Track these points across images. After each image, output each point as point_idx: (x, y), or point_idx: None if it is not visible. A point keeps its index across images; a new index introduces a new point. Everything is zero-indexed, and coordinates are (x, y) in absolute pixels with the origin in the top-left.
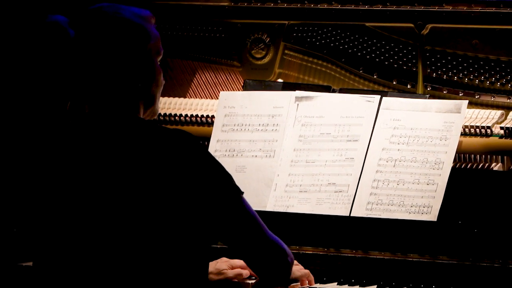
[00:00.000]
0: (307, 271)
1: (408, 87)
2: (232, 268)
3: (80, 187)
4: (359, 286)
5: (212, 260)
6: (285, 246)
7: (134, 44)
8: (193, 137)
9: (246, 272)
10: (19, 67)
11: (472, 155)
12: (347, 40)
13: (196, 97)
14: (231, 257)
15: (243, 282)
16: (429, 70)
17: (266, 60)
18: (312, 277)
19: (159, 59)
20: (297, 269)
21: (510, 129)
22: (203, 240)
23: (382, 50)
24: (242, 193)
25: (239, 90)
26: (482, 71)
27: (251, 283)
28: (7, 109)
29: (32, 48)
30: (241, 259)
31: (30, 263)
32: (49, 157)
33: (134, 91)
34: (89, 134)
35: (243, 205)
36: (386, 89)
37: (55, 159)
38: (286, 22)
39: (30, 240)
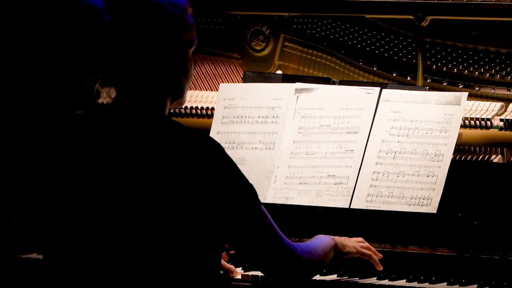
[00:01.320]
0: (365, 251)
1: (408, 79)
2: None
3: (96, 180)
4: (359, 278)
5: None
6: (306, 249)
7: (168, 34)
8: (217, 143)
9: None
10: (51, 48)
11: (472, 147)
12: (347, 32)
13: (196, 89)
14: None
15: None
16: (429, 62)
17: (265, 52)
18: (371, 250)
19: (192, 50)
20: (353, 245)
21: (510, 121)
22: (217, 246)
23: (382, 42)
24: (261, 204)
25: (239, 82)
26: (482, 63)
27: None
28: (25, 96)
29: (65, 29)
30: (258, 268)
31: (30, 255)
32: (65, 148)
33: (164, 82)
34: (111, 126)
35: (263, 216)
36: (386, 81)
37: (71, 150)
38: (286, 14)
39: (30, 232)
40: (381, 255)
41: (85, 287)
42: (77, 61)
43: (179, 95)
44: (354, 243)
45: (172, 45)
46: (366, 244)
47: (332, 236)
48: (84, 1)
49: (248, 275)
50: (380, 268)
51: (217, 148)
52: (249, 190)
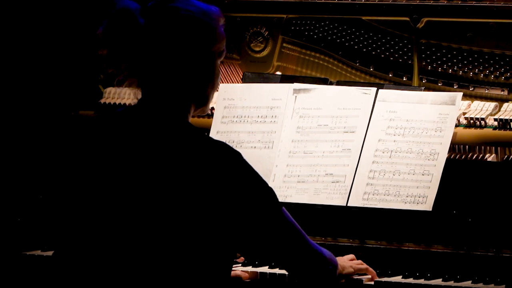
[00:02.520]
0: (361, 267)
1: (404, 79)
2: None
3: (115, 181)
4: (357, 275)
5: None
6: (327, 253)
7: (199, 43)
8: (235, 150)
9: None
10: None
11: (467, 146)
12: (344, 33)
13: None
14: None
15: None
16: (424, 63)
17: (264, 53)
18: (365, 265)
19: (220, 60)
20: (349, 264)
21: (503, 120)
22: (232, 252)
23: (378, 43)
24: (282, 205)
25: (238, 83)
26: (476, 64)
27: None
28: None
29: (98, 29)
30: (285, 268)
31: (34, 252)
32: (86, 148)
33: (190, 89)
34: (134, 128)
35: (285, 218)
36: (382, 82)
37: (93, 150)
38: (284, 15)
39: (34, 230)
40: (374, 272)
41: (94, 284)
42: (108, 61)
43: (204, 103)
44: (350, 262)
45: (202, 54)
46: (359, 261)
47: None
48: (119, 2)
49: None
50: (376, 278)
51: (236, 155)
52: (269, 193)
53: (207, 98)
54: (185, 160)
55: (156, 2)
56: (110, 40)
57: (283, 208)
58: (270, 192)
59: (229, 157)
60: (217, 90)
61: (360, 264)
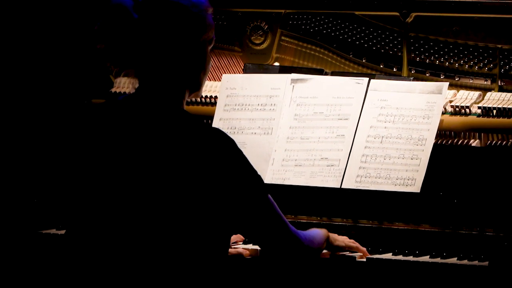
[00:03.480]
0: (352, 245)
1: (394, 70)
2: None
3: (116, 165)
4: (349, 252)
5: None
6: (304, 236)
7: (190, 33)
8: (229, 137)
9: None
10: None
11: (452, 132)
12: (338, 27)
13: None
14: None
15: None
16: (413, 55)
17: (264, 45)
18: (357, 244)
19: (210, 47)
20: (342, 239)
21: (487, 108)
22: (227, 231)
23: (370, 36)
24: (268, 193)
25: (240, 73)
26: (461, 55)
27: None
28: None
29: (96, 25)
30: (264, 249)
31: (49, 231)
32: (88, 134)
33: (183, 76)
34: (133, 115)
35: (270, 204)
36: (373, 72)
37: (94, 136)
38: (283, 10)
39: (49, 210)
40: (365, 250)
41: (101, 261)
42: (106, 55)
43: (197, 88)
44: (342, 237)
45: (193, 43)
46: (351, 240)
47: (325, 230)
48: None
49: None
50: (367, 255)
51: (229, 142)
52: (258, 181)
53: (200, 84)
54: (181, 146)
55: None
56: (106, 34)
57: (269, 195)
58: (259, 180)
59: (223, 144)
60: (220, 80)
61: (352, 242)
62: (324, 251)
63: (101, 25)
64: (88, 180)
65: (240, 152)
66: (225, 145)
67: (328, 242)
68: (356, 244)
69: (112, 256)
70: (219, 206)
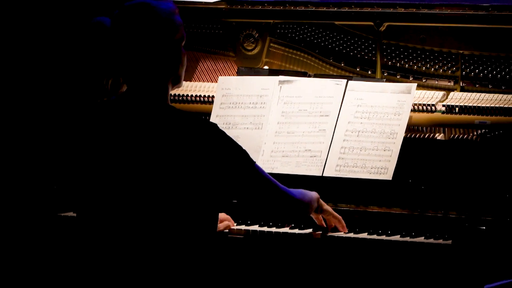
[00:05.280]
0: (337, 215)
1: (369, 73)
2: (221, 221)
3: (116, 154)
4: (330, 231)
5: None
6: (298, 194)
7: (164, 36)
8: (211, 122)
9: (232, 223)
10: (72, 55)
11: (420, 127)
12: (320, 35)
13: (200, 81)
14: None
15: (231, 230)
16: (385, 59)
17: (255, 51)
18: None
19: (183, 43)
20: (329, 207)
21: (450, 106)
22: (217, 204)
23: (348, 43)
24: (255, 162)
25: (234, 75)
26: (428, 60)
27: (236, 228)
28: (58, 87)
29: (81, 41)
30: (262, 207)
31: (67, 213)
32: (92, 129)
33: (165, 73)
34: (126, 112)
35: (258, 171)
36: (351, 75)
37: (96, 130)
38: (271, 21)
39: (67, 196)
40: (344, 227)
41: (107, 239)
42: (97, 64)
43: (178, 81)
44: (329, 207)
45: (169, 43)
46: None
47: (316, 192)
48: (94, 19)
49: (241, 229)
50: (346, 230)
51: (212, 126)
52: (243, 153)
53: (180, 77)
54: (171, 133)
55: (120, 10)
56: (90, 48)
57: (256, 164)
58: (244, 153)
59: (207, 128)
60: (217, 82)
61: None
62: (309, 229)
63: (84, 40)
64: (92, 166)
65: (223, 133)
66: (209, 129)
67: (319, 204)
68: (338, 218)
69: (115, 231)
70: (213, 179)
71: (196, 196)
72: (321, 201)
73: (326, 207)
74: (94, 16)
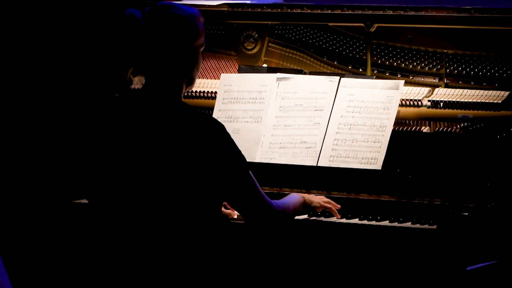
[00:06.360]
0: (327, 205)
1: (360, 70)
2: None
3: (128, 147)
4: (324, 217)
5: None
6: (277, 205)
7: (187, 39)
8: (220, 123)
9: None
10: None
11: (407, 121)
12: (314, 35)
13: (204, 78)
14: None
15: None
16: (375, 58)
17: (255, 50)
18: (331, 204)
19: (202, 49)
20: (317, 200)
21: (435, 101)
22: (218, 198)
23: (341, 43)
24: (249, 169)
25: (235, 73)
26: (414, 58)
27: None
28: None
29: (112, 33)
30: (243, 216)
31: (81, 200)
32: (106, 122)
33: (181, 73)
34: (141, 107)
35: (250, 177)
36: (343, 72)
37: (111, 124)
38: (270, 22)
39: (80, 184)
40: (339, 206)
41: (117, 226)
42: (120, 56)
43: (192, 83)
44: (319, 199)
45: (189, 47)
46: (328, 199)
47: (302, 194)
48: (126, 10)
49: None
50: (338, 216)
51: (219, 127)
52: (241, 159)
53: (193, 79)
54: (180, 129)
55: (152, 8)
56: (118, 40)
57: (250, 171)
58: (242, 159)
59: (214, 128)
60: (219, 79)
61: (327, 203)
62: (305, 215)
63: (115, 31)
64: (103, 157)
65: (228, 135)
66: (216, 129)
67: (305, 205)
68: (331, 204)
69: (123, 219)
70: (211, 177)
71: (197, 188)
72: (309, 200)
73: (315, 204)
74: (116, 8)
